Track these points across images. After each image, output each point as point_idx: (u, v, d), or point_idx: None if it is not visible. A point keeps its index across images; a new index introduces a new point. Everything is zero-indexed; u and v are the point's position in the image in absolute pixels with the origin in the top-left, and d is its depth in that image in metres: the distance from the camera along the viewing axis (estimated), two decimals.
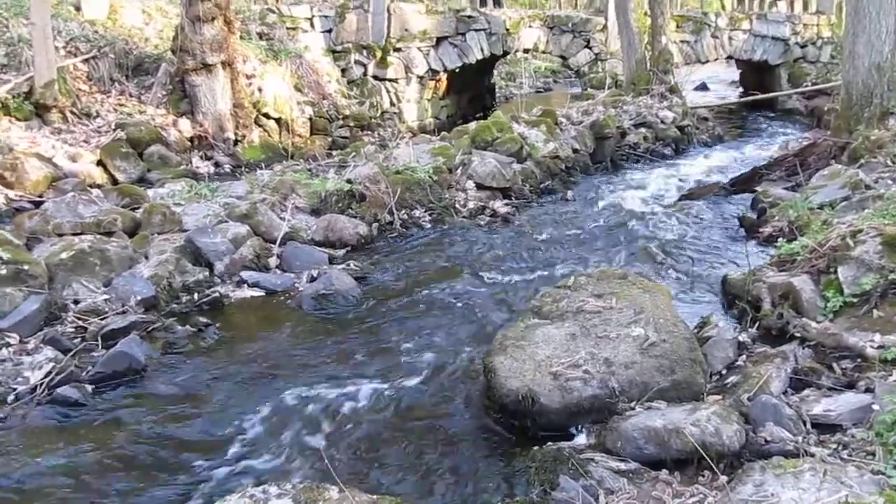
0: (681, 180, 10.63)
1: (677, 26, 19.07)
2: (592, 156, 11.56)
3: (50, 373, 4.54)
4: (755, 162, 10.88)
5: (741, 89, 22.70)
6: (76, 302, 5.45)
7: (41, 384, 4.46)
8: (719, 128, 14.87)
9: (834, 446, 3.26)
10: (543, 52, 19.45)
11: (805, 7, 24.04)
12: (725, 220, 8.04)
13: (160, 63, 13.21)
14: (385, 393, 4.38)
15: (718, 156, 12.58)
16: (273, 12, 16.06)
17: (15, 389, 4.44)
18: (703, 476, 3.18)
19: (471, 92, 20.49)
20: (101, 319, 5.24)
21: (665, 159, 12.25)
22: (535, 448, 3.55)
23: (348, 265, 6.69)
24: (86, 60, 12.62)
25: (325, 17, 16.75)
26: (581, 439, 3.67)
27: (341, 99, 15.85)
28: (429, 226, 8.10)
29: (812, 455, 3.16)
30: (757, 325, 4.73)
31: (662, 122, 13.21)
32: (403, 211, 8.15)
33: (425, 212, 8.31)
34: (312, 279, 6.34)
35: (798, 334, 4.36)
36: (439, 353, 4.90)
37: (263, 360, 4.91)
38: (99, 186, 9.05)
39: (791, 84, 19.18)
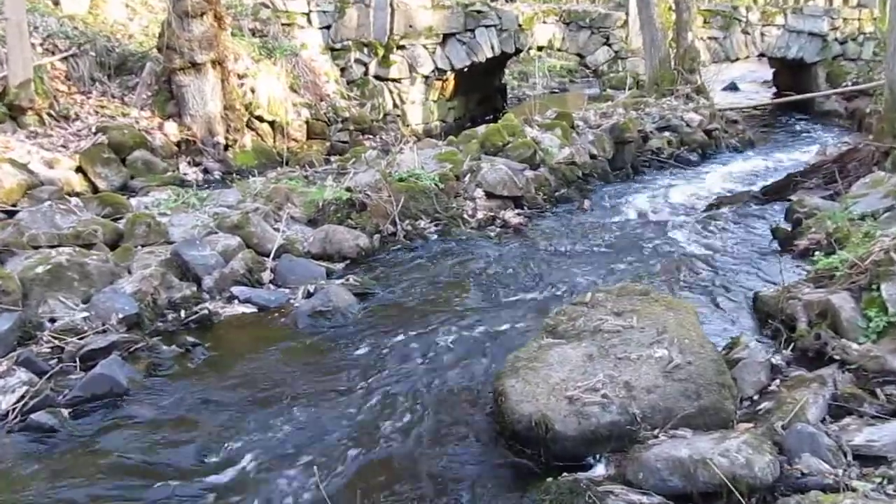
0: (708, 189, 10.65)
1: (704, 21, 19.12)
2: (612, 162, 11.59)
3: (23, 397, 4.53)
4: (790, 169, 10.88)
5: (774, 90, 22.73)
6: (53, 320, 5.46)
7: (13, 410, 4.45)
8: (750, 132, 14.89)
9: (878, 480, 3.23)
10: (559, 50, 19.52)
11: (845, 0, 24.09)
12: (757, 232, 8.05)
13: (145, 62, 13.30)
14: (386, 419, 4.37)
15: (749, 162, 12.62)
16: (267, 7, 16.20)
17: None
18: None
19: (480, 93, 20.58)
20: (80, 339, 5.24)
21: (691, 166, 12.29)
22: (549, 479, 3.53)
23: (347, 280, 6.70)
24: (64, 59, 12.71)
25: (324, 12, 16.88)
26: (599, 470, 3.66)
27: (340, 100, 15.93)
28: (434, 237, 8.13)
29: (854, 490, 3.14)
30: (792, 346, 4.72)
31: (688, 125, 13.25)
32: (407, 221, 8.18)
33: (431, 222, 8.33)
34: (309, 295, 6.35)
35: (837, 357, 4.35)
36: (445, 375, 4.90)
37: (255, 382, 4.91)
38: (78, 195, 9.09)
39: (829, 84, 19.16)
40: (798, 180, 9.41)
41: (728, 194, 10.02)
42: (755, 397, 4.17)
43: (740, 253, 7.40)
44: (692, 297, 6.16)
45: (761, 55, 20.64)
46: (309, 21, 16.75)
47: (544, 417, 3.76)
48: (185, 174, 11.86)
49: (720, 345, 4.67)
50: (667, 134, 12.77)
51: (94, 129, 11.61)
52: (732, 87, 23.16)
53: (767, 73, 24.24)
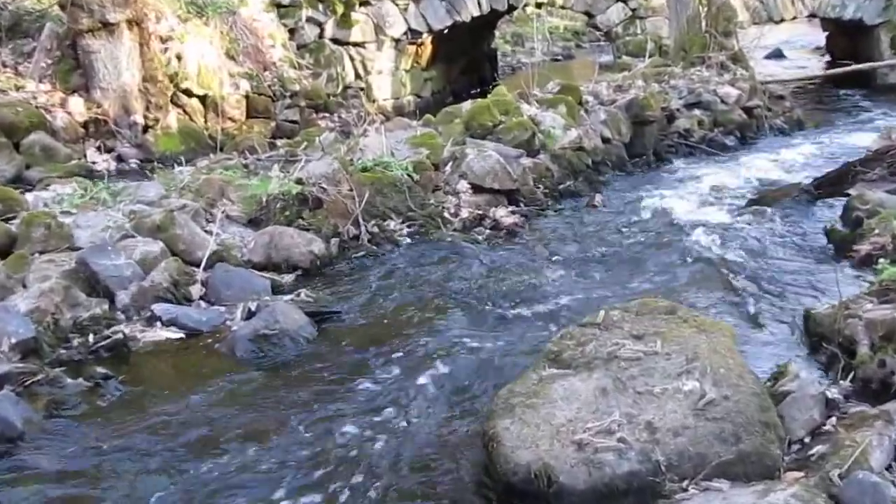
0: (747, 180, 10.69)
1: None
2: (629, 147, 11.62)
3: None
4: (847, 156, 10.89)
5: (828, 58, 22.93)
6: None
7: None
8: (799, 109, 14.97)
9: None
10: (563, 8, 19.65)
11: None
12: (807, 235, 8.10)
13: (44, 22, 13.20)
14: (347, 474, 4.33)
15: (798, 147, 12.66)
16: None
17: None
18: None
19: (464, 60, 20.64)
20: None
21: (726, 151, 12.32)
22: None
23: (298, 295, 6.68)
24: None
25: None
26: None
27: (289, 70, 15.91)
28: (408, 241, 8.13)
29: None
30: (851, 375, 4.73)
31: (723, 101, 13.30)
32: (373, 222, 8.16)
33: (403, 223, 8.33)
34: (249, 314, 6.32)
35: None
36: (422, 416, 4.89)
37: (181, 426, 4.88)
38: None
39: (895, 51, 19.32)
40: (858, 171, 9.43)
41: (772, 188, 10.05)
42: (806, 439, 4.17)
43: (787, 260, 7.44)
44: (729, 315, 6.15)
45: (811, 15, 20.79)
46: None
47: (546, 467, 3.75)
48: (93, 162, 11.81)
49: (763, 375, 4.67)
50: (697, 112, 12.81)
51: None
52: (777, 55, 23.36)
53: (819, 37, 24.44)
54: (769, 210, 8.92)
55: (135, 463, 4.50)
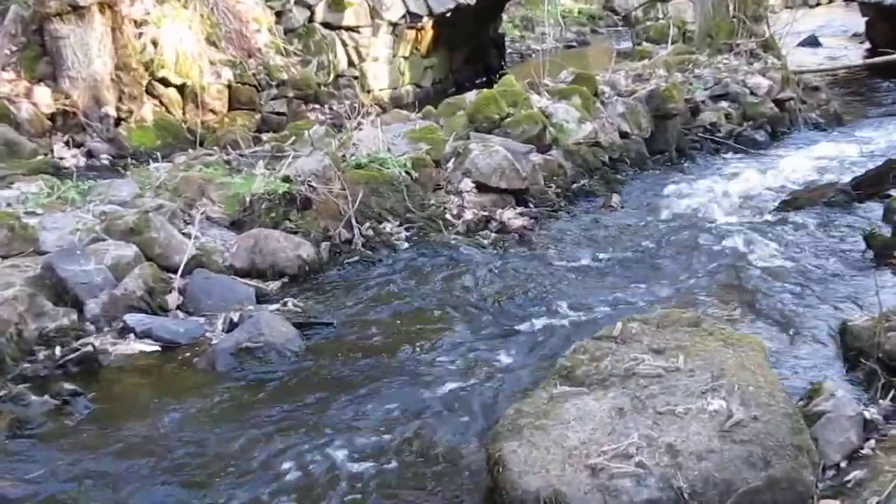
0: (779, 179, 10.69)
1: None
2: (649, 142, 11.66)
3: None
4: (889, 154, 10.92)
5: (867, 45, 22.91)
6: None
7: None
8: (836, 102, 14.97)
9: None
10: None
11: None
12: (845, 239, 8.11)
13: (8, 4, 13.22)
14: (337, 498, 4.35)
15: (835, 143, 12.63)
16: None
17: None
18: None
19: (469, 47, 20.65)
20: None
21: (757, 148, 12.35)
22: None
23: (285, 305, 6.69)
24: None
25: None
26: None
27: (276, 57, 15.91)
28: (406, 246, 8.13)
29: None
30: (892, 394, 4.73)
31: (753, 92, 13.32)
32: (368, 224, 8.18)
33: (400, 225, 8.36)
34: (231, 326, 6.34)
35: None
36: (420, 437, 4.88)
37: (156, 447, 4.87)
38: None
39: None
40: None
41: (806, 188, 10.05)
42: (842, 464, 4.17)
43: (822, 268, 7.44)
44: (758, 328, 6.16)
45: None
46: None
47: (557, 494, 3.74)
48: (61, 158, 11.81)
49: (796, 393, 4.68)
50: (724, 105, 12.84)
51: None
52: (812, 43, 23.34)
53: (859, 22, 24.43)
54: (803, 212, 8.94)
55: (105, 489, 4.49)
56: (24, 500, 4.42)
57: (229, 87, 14.90)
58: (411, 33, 18.07)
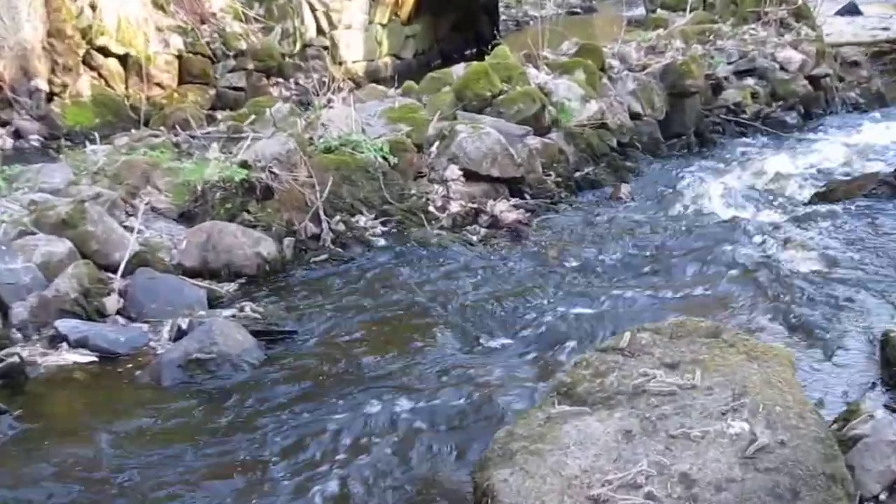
0: (813, 168, 10.73)
1: None
2: (664, 124, 11.70)
3: None
4: None
5: None
6: None
7: None
8: (878, 79, 15.06)
9: None
10: None
11: None
12: (887, 237, 8.12)
13: None
14: None
15: (876, 127, 12.72)
16: None
17: None
18: None
19: (457, 13, 20.66)
20: None
21: (787, 131, 12.41)
22: None
23: (242, 310, 6.69)
24: None
25: None
26: None
27: (233, 23, 15.94)
28: (382, 242, 8.14)
29: None
30: None
31: (783, 68, 13.37)
32: (338, 217, 8.19)
33: (376, 218, 8.36)
34: (180, 334, 6.32)
35: None
36: (396, 463, 4.88)
37: (91, 472, 4.84)
38: None
39: None
40: None
41: (844, 178, 10.08)
42: (882, 496, 4.16)
43: (861, 270, 7.43)
44: (787, 339, 6.16)
45: None
46: None
47: None
48: None
49: (830, 414, 4.68)
50: (750, 81, 12.90)
51: None
52: (851, 11, 23.36)
53: None
54: (839, 206, 8.94)
55: None
56: None
57: (179, 57, 14.93)
58: None
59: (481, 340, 6.37)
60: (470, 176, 9.08)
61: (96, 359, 6.11)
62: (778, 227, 8.47)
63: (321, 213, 8.03)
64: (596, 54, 11.74)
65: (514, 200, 9.10)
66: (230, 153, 8.64)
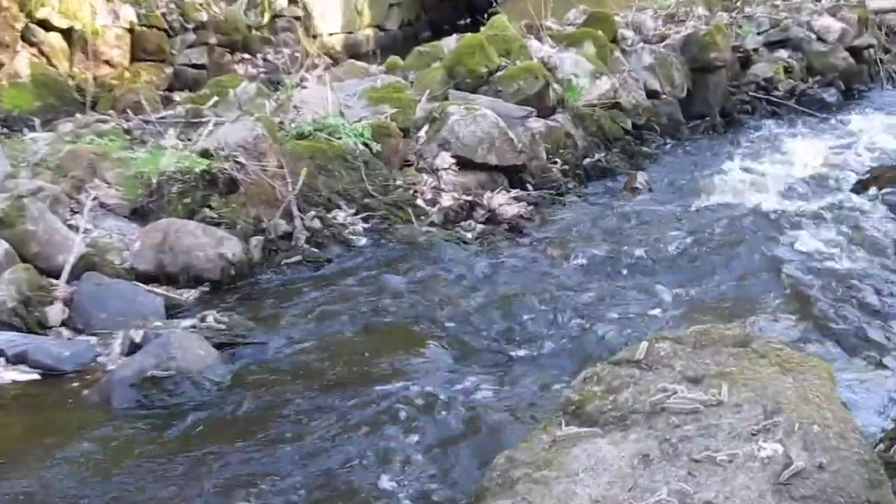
0: (854, 151, 10.78)
1: None
2: (686, 104, 11.76)
3: None
4: None
5: None
6: None
7: None
8: None
9: None
10: None
11: None
12: None
13: None
14: None
15: None
16: None
17: None
18: None
19: None
20: None
21: (825, 110, 12.51)
22: None
23: (204, 320, 6.65)
24: None
25: None
26: None
27: None
28: (364, 241, 8.13)
29: None
30: None
31: (820, 38, 13.46)
32: (313, 212, 8.17)
33: (356, 214, 8.35)
34: (133, 348, 6.30)
35: None
36: (379, 493, 4.83)
37: None
38: None
39: None
40: None
41: (889, 163, 10.09)
42: None
43: None
44: (826, 349, 6.17)
45: None
46: None
47: None
48: None
49: (874, 434, 4.69)
50: (783, 54, 13.04)
51: None
52: None
53: None
54: (884, 195, 8.96)
55: None
56: None
57: (131, 31, 15.04)
58: None
59: (476, 354, 6.37)
60: (464, 164, 9.09)
61: (38, 376, 6.10)
62: (815, 219, 8.48)
63: (293, 208, 8.01)
64: (607, 24, 11.82)
65: (514, 192, 9.12)
66: (189, 140, 8.65)
